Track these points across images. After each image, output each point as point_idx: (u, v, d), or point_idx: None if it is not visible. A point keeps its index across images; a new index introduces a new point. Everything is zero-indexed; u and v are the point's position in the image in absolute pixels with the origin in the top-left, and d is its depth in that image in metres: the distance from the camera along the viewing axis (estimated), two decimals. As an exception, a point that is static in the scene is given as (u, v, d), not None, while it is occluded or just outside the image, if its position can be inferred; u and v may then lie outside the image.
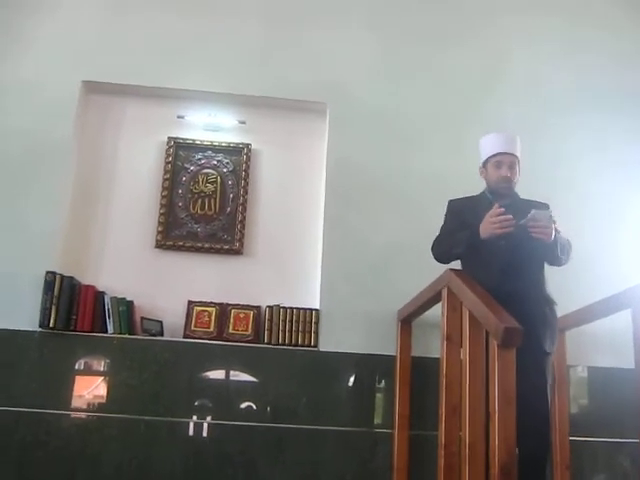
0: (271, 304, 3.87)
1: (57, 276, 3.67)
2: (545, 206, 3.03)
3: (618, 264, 4.03)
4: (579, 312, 3.30)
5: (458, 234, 3.04)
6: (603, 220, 4.16)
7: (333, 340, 3.81)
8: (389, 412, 3.66)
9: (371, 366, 3.79)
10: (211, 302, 3.89)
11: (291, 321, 3.83)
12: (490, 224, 2.81)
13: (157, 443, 3.56)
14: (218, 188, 4.18)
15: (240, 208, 4.12)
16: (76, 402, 3.62)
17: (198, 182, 4.18)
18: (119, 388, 3.65)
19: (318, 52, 4.32)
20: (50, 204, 3.90)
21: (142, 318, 3.79)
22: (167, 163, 4.15)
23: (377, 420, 3.74)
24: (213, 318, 3.85)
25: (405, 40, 4.40)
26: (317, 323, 3.84)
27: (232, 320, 3.85)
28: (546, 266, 3.02)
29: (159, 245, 4.03)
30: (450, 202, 3.22)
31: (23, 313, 3.64)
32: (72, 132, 4.04)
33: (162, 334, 3.81)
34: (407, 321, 3.62)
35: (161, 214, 4.07)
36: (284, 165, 4.27)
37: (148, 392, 3.62)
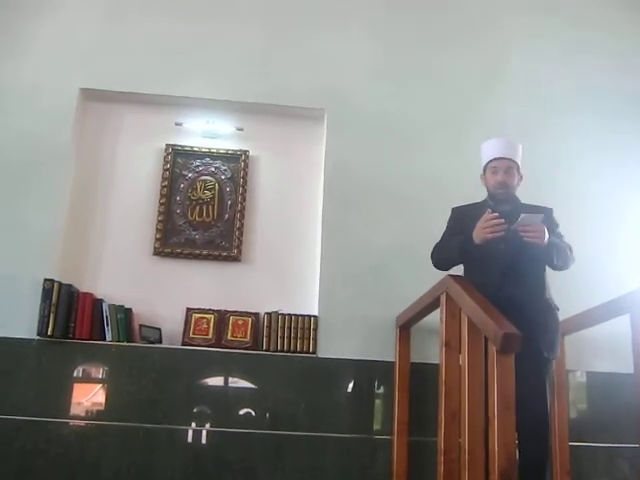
0: (269, 311, 3.87)
1: (55, 284, 3.67)
2: (549, 210, 3.03)
3: (617, 268, 4.03)
4: (578, 317, 3.30)
5: (453, 240, 3.06)
6: (603, 222, 4.16)
7: (332, 346, 3.81)
8: (388, 418, 3.65)
9: (370, 372, 3.78)
10: (209, 309, 3.89)
11: (290, 327, 3.82)
12: (482, 229, 2.83)
13: (156, 450, 3.55)
14: (216, 195, 4.18)
15: (238, 215, 4.12)
16: (75, 410, 3.61)
17: (196, 189, 4.18)
18: (118, 396, 3.64)
19: (315, 57, 4.33)
20: (48, 212, 3.90)
21: (140, 325, 3.78)
22: (165, 170, 4.15)
23: (376, 426, 3.73)
24: (212, 325, 3.84)
25: (403, 43, 4.41)
26: (315, 329, 3.84)
27: (230, 327, 3.85)
28: (549, 271, 3.00)
29: (157, 252, 4.02)
30: (453, 209, 3.23)
31: (21, 321, 3.64)
32: (70, 139, 4.05)
33: (161, 341, 3.81)
34: (406, 327, 3.62)
35: (159, 221, 4.06)
36: (282, 171, 4.27)
37: (147, 399, 3.62)
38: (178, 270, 4.03)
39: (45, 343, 3.64)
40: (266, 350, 3.79)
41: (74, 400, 3.63)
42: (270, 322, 3.83)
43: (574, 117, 4.34)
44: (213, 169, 4.21)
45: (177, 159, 4.20)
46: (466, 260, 3.06)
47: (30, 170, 3.93)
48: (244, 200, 4.16)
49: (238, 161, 4.21)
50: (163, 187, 4.12)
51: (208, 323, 3.85)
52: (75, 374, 3.67)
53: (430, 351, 3.43)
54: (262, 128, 4.29)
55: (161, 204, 4.09)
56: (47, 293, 3.64)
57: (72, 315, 3.68)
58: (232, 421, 3.67)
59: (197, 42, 4.28)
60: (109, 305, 3.75)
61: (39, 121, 4.01)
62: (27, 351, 3.63)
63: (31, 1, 4.26)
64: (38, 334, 3.62)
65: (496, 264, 2.91)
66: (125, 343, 3.70)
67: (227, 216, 4.14)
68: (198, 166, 4.21)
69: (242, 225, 4.11)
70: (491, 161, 3.07)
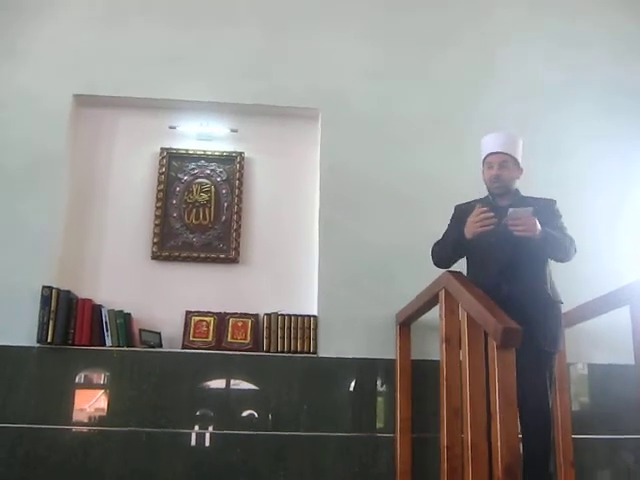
0: (269, 312, 3.86)
1: (54, 290, 3.66)
2: (551, 202, 3.03)
3: (616, 260, 4.03)
4: (578, 309, 3.30)
5: (448, 237, 3.07)
6: (601, 214, 4.16)
7: (332, 346, 3.80)
8: (390, 416, 3.65)
9: (371, 370, 3.78)
10: (209, 312, 3.89)
11: (289, 328, 3.82)
12: (472, 223, 2.85)
13: (159, 455, 3.55)
14: (212, 197, 4.17)
15: (235, 217, 4.12)
16: (77, 416, 3.61)
17: (192, 192, 4.17)
18: (119, 401, 3.63)
19: (309, 58, 4.32)
20: (44, 219, 3.88)
21: (140, 330, 3.78)
22: (160, 174, 4.14)
23: (379, 425, 3.73)
24: (211, 328, 3.84)
25: (397, 42, 4.40)
26: (315, 329, 3.83)
27: (230, 329, 3.84)
28: (552, 264, 2.99)
29: (155, 256, 4.02)
30: (455, 207, 3.23)
31: (20, 329, 3.63)
32: (65, 145, 4.04)
33: (161, 345, 3.80)
34: (406, 324, 3.62)
35: (156, 225, 4.06)
36: (278, 172, 4.27)
37: (149, 404, 3.61)
38: (176, 273, 4.02)
39: (45, 350, 3.63)
40: (267, 351, 3.78)
41: (75, 406, 3.62)
42: (270, 323, 3.83)
43: (571, 111, 4.34)
44: (209, 171, 4.21)
45: (172, 162, 4.19)
46: (466, 257, 3.08)
47: (26, 177, 3.92)
48: (240, 202, 4.15)
49: (233, 163, 4.21)
50: (159, 191, 4.12)
51: (208, 326, 3.85)
52: (76, 380, 3.67)
53: (431, 348, 3.43)
54: (257, 129, 4.29)
55: (157, 208, 4.09)
56: (46, 300, 3.63)
57: (71, 321, 3.67)
58: (234, 423, 3.66)
59: (189, 45, 4.27)
60: (108, 310, 3.75)
61: (34, 128, 4.00)
62: (27, 358, 3.62)
63: (23, 9, 4.25)
64: (38, 341, 3.61)
65: (494, 262, 2.91)
66: (125, 348, 3.70)
67: (224, 218, 4.13)
68: (193, 169, 4.21)
69: (239, 227, 4.11)
70: (487, 156, 3.08)
